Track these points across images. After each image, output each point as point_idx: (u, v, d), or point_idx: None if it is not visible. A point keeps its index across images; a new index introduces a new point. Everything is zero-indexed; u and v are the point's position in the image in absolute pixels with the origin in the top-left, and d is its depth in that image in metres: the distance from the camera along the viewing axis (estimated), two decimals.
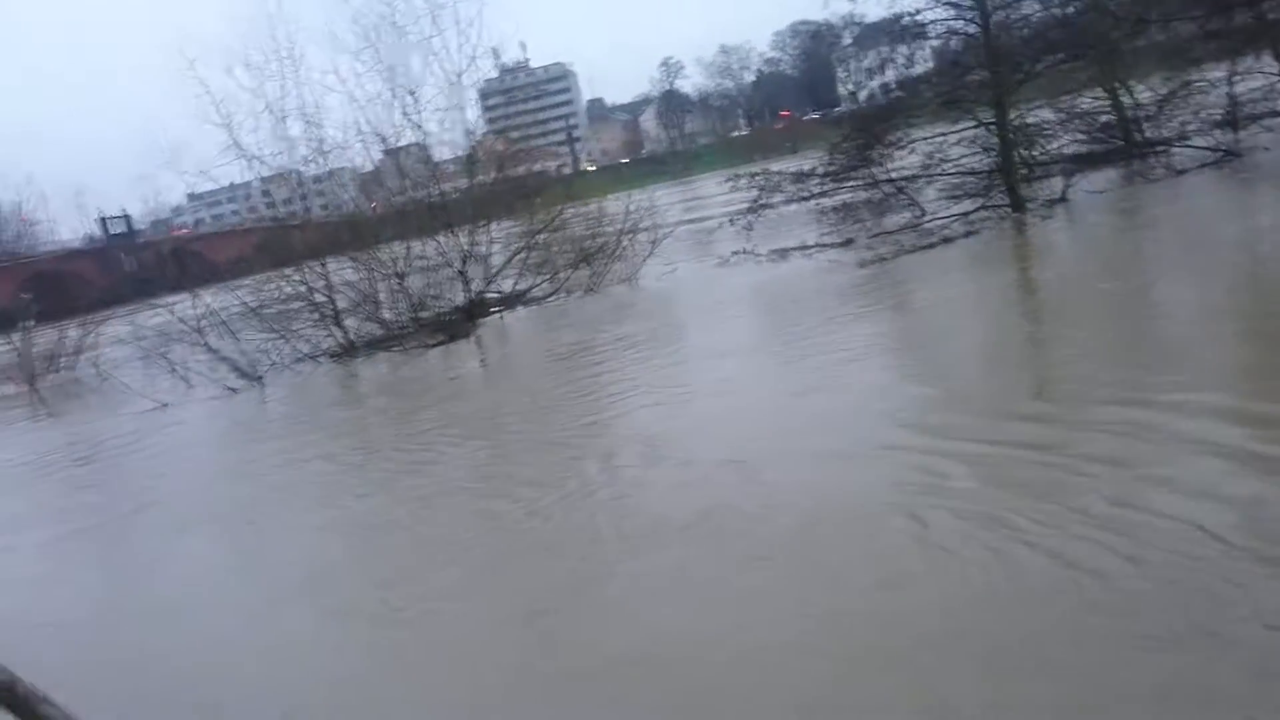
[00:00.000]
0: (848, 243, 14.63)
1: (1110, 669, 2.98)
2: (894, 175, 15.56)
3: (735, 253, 15.40)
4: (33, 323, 25.04)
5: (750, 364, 8.70)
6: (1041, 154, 15.40)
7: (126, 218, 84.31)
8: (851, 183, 15.66)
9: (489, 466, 7.12)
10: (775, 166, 16.86)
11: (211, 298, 15.24)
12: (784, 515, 4.74)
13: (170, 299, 18.15)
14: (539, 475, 6.35)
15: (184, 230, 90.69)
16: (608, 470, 6.27)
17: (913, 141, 15.34)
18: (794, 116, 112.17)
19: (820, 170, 15.65)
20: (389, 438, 9.12)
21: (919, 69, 17.20)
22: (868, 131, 15.51)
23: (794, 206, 16.23)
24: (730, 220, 16.31)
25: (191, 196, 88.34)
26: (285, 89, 15.04)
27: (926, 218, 14.54)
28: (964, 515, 4.26)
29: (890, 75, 18.90)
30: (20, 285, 70.18)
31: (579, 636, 4.03)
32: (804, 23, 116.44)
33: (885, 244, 13.70)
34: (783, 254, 14.87)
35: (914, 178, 15.54)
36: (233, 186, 17.95)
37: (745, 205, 16.02)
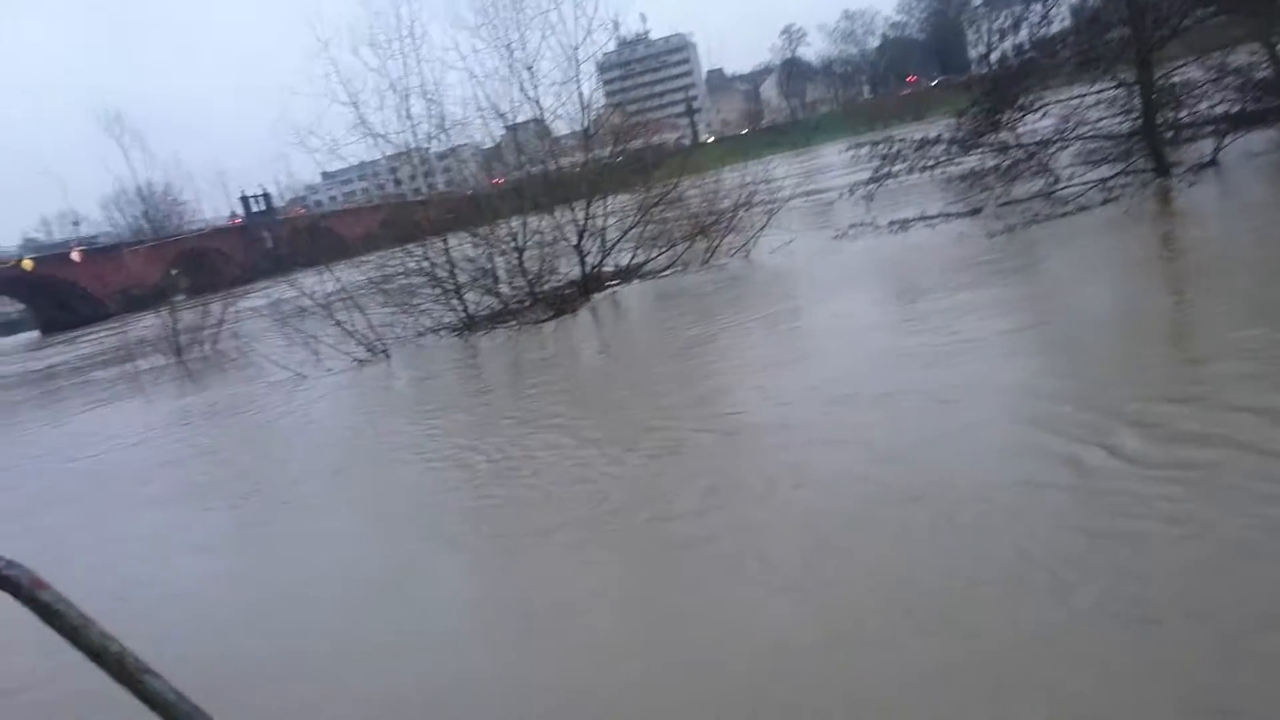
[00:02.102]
0: (975, 212, 14.02)
1: None
2: (1025, 140, 14.82)
3: (854, 225, 14.98)
4: (182, 298, 26.51)
5: (870, 342, 8.40)
6: (1189, 115, 14.37)
7: (266, 196, 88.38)
8: (979, 149, 14.98)
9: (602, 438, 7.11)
10: (899, 134, 16.31)
11: (341, 273, 15.75)
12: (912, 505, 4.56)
13: (304, 274, 18.90)
14: (655, 448, 6.32)
15: (316, 207, 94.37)
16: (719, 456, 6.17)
17: (1046, 105, 14.55)
18: (920, 82, 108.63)
19: (946, 137, 15.02)
20: (510, 409, 9.23)
21: (1055, 28, 16.27)
22: (999, 95, 14.77)
23: (916, 176, 15.66)
24: (850, 190, 15.87)
25: (325, 175, 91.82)
26: (408, 67, 15.35)
27: (1060, 185, 13.79)
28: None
29: (1024, 35, 17.92)
30: (169, 263, 74.83)
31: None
32: None
33: (1015, 213, 13.06)
34: (904, 225, 14.38)
35: (1047, 142, 14.74)
36: (362, 165, 18.41)
37: (866, 175, 15.55)
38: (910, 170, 15.06)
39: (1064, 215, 12.23)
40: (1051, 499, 4.20)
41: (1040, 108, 14.52)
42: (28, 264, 74.49)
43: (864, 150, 15.52)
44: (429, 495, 6.71)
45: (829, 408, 6.44)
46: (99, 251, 79.43)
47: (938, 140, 15.18)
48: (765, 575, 4.13)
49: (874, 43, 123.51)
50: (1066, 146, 14.51)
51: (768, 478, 5.32)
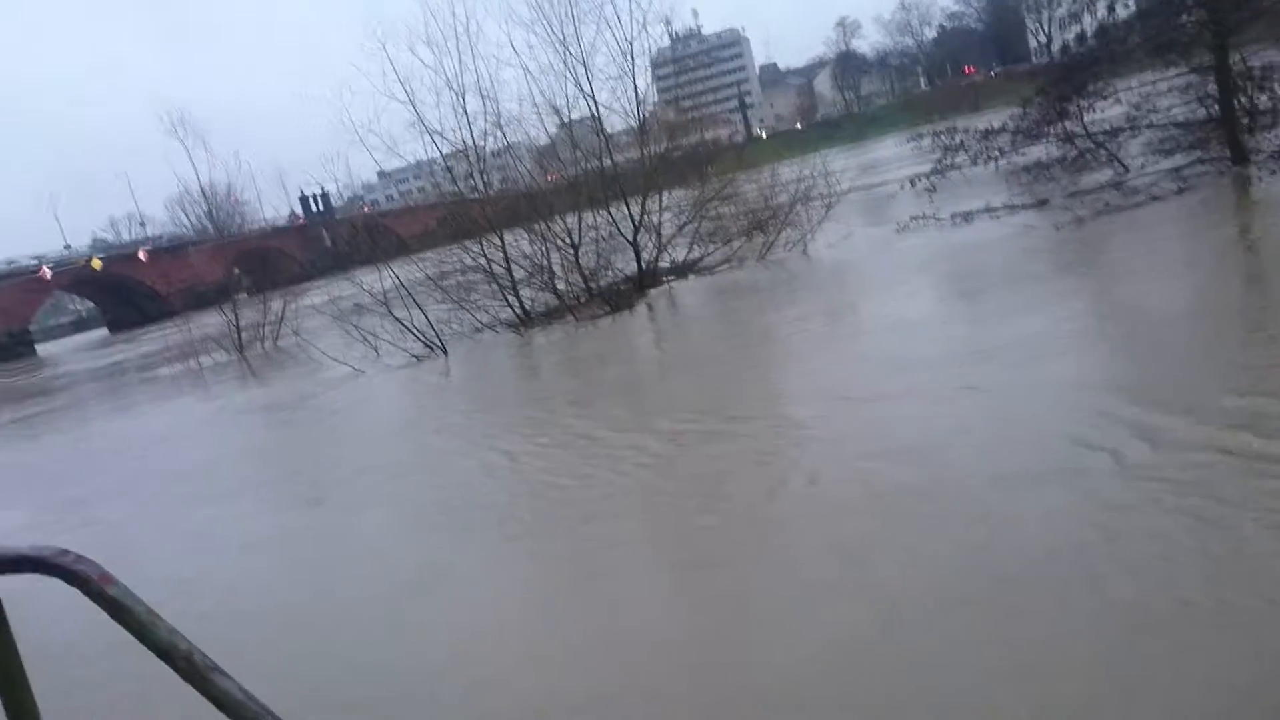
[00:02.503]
0: (1041, 204, 13.65)
1: None
2: (1093, 130, 14.40)
3: (915, 217, 14.68)
4: (244, 295, 26.98)
5: (930, 340, 8.14)
6: (1270, 100, 13.83)
7: (324, 195, 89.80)
8: (1045, 139, 14.60)
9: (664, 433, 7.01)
10: (960, 125, 15.99)
11: (399, 270, 15.84)
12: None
13: (362, 272, 19.08)
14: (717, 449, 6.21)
15: (372, 206, 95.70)
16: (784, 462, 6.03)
17: (1115, 93, 14.11)
18: (978, 73, 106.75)
19: (1011, 127, 14.66)
20: (566, 407, 9.17)
21: (1121, 15, 15.78)
22: (1066, 83, 14.36)
23: (978, 167, 15.32)
24: (911, 182, 15.57)
25: (380, 174, 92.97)
26: (463, 64, 15.40)
27: (1131, 175, 13.39)
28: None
29: (1087, 23, 17.42)
30: (232, 262, 76.41)
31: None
32: None
33: (1084, 204, 12.69)
34: (967, 217, 14.05)
35: (1116, 131, 14.33)
36: (417, 163, 18.54)
37: (927, 167, 15.27)
38: (974, 161, 14.74)
39: (1136, 206, 11.84)
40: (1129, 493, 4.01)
41: (1110, 96, 14.08)
42: (97, 264, 76.64)
43: (926, 141, 15.23)
44: (484, 492, 6.66)
45: (889, 406, 6.26)
46: (164, 251, 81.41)
47: (1002, 130, 14.86)
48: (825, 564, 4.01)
49: (930, 34, 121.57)
50: (1137, 135, 14.07)
51: (811, 472, 5.22)
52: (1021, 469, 4.64)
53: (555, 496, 6.12)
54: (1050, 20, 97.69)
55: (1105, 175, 13.93)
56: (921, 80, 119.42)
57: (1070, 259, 10.11)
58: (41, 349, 72.18)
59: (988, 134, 14.86)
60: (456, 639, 4.36)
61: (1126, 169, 13.71)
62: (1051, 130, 14.71)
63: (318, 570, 5.93)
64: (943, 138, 14.95)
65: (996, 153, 14.66)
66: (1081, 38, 18.19)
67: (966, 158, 14.76)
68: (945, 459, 5.04)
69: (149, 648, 1.34)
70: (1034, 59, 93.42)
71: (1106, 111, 14.52)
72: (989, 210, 13.85)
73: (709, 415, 7.14)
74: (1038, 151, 14.98)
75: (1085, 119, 14.53)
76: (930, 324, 8.85)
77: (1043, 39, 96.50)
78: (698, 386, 8.49)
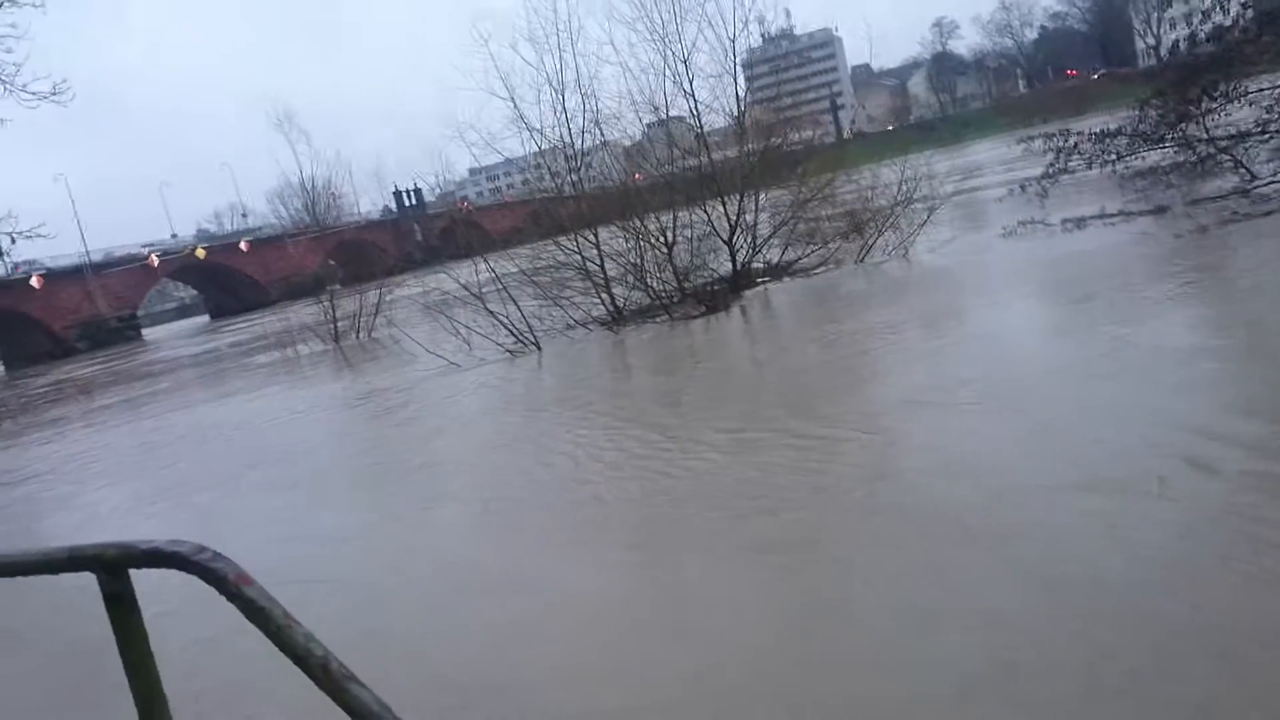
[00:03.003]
0: (1159, 210, 13.03)
1: None
2: (1217, 134, 13.67)
3: (1023, 222, 14.16)
4: (338, 287, 27.61)
5: (1041, 352, 7.75)
6: None
7: (417, 191, 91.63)
8: (1166, 144, 13.91)
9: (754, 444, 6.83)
10: (1059, 128, 15.37)
11: (491, 265, 15.92)
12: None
13: (454, 266, 19.30)
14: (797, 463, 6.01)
15: (466, 203, 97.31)
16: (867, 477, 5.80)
17: (1245, 95, 13.35)
18: (1080, 75, 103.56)
19: (1129, 130, 14.01)
20: (659, 410, 9.05)
21: (1238, 13, 14.94)
22: (1191, 84, 13.64)
23: (1093, 171, 14.70)
24: (1020, 186, 15.03)
25: (472, 170, 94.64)
26: (564, 62, 15.40)
27: (1260, 182, 12.66)
28: None
29: (1203, 22, 16.58)
30: (327, 254, 78.53)
31: None
32: None
33: (1207, 212, 12.07)
34: (1079, 223, 13.51)
35: (1243, 136, 13.57)
36: (509, 160, 18.65)
37: (1031, 170, 14.72)
38: (1089, 165, 14.14)
39: (1266, 214, 11.18)
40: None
41: (1239, 99, 13.34)
42: (201, 253, 79.66)
43: (1037, 144, 14.64)
44: (575, 492, 6.57)
45: (992, 423, 5.94)
46: (264, 242, 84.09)
47: (1118, 133, 14.22)
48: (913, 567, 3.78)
49: (1031, 35, 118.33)
50: (1268, 140, 13.31)
51: (903, 484, 4.97)
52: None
53: (658, 498, 6.00)
54: (1159, 21, 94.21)
55: (1230, 182, 13.22)
56: (1020, 83, 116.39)
57: (1192, 269, 9.57)
58: (147, 333, 75.35)
59: (1103, 136, 14.23)
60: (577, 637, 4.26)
61: (1254, 176, 12.98)
62: (1171, 134, 14.01)
63: (408, 565, 5.92)
64: (1056, 140, 14.34)
65: (1113, 156, 14.02)
66: (1192, 40, 17.40)
67: (1081, 161, 14.15)
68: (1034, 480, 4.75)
69: (284, 652, 1.30)
70: (1140, 61, 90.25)
71: (1230, 115, 13.78)
72: (1103, 216, 13.28)
73: (800, 424, 6.93)
74: (1153, 156, 14.32)
75: (1207, 122, 13.81)
76: (1037, 335, 8.46)
77: (1150, 40, 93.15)
78: (790, 396, 8.24)
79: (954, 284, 12.68)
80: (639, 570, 5.05)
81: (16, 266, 60.56)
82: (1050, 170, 14.28)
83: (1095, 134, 14.34)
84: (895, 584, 4.05)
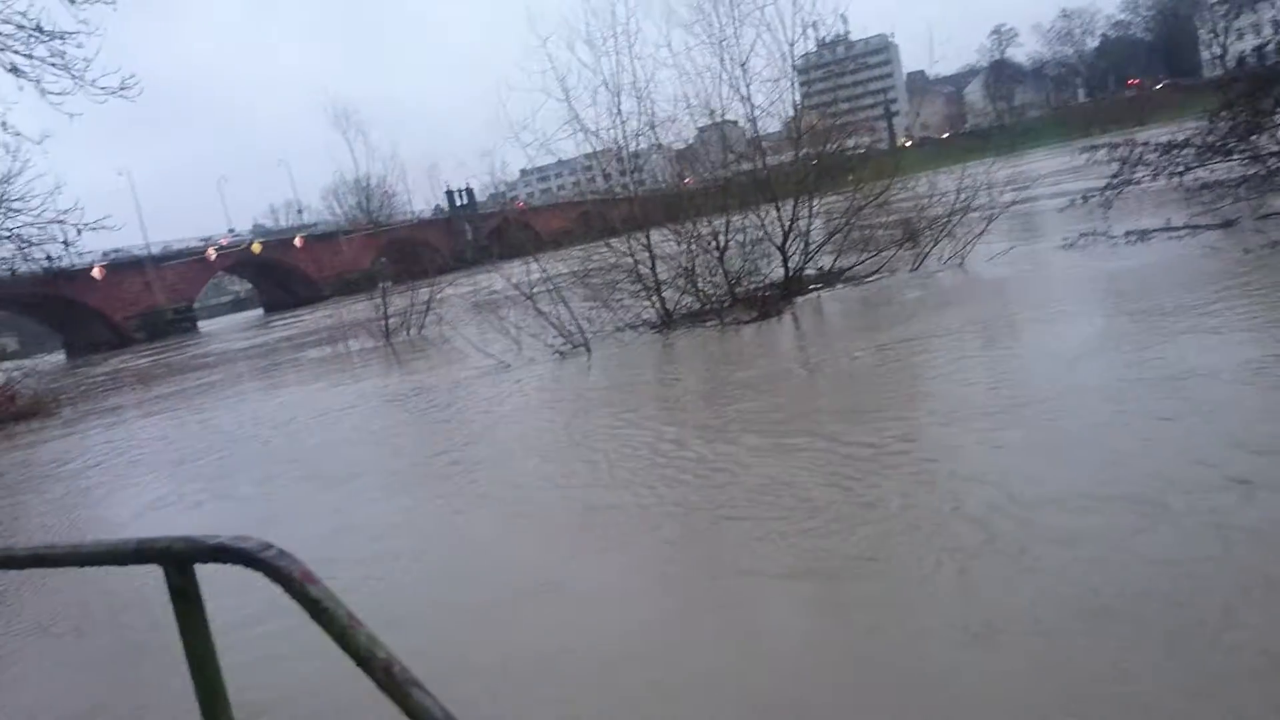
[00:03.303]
0: (1227, 224, 12.67)
1: None
2: None
3: (1085, 233, 13.85)
4: (389, 284, 27.92)
5: (1102, 372, 7.45)
6: None
7: (469, 190, 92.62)
8: (1235, 156, 13.55)
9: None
10: (1122, 138, 15.04)
11: (540, 266, 15.97)
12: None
13: (504, 265, 19.42)
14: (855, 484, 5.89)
15: (517, 203, 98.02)
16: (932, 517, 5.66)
17: None
18: (1143, 84, 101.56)
19: (1197, 141, 13.66)
20: (709, 417, 8.97)
21: None
22: (1261, 96, 13.28)
23: (1158, 183, 14.37)
24: (1082, 197, 14.71)
25: (524, 171, 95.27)
26: (620, 64, 15.39)
27: None
28: None
29: (1271, 33, 16.12)
30: (380, 251, 79.62)
31: None
32: None
33: (1277, 226, 11.69)
34: (1143, 235, 13.18)
35: None
36: (560, 161, 18.72)
37: (1091, 181, 14.41)
38: (1154, 176, 13.82)
39: None
40: None
41: None
42: (256, 247, 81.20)
43: (1100, 154, 14.33)
44: (618, 501, 6.53)
45: (1048, 452, 5.76)
46: (319, 238, 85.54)
47: (1186, 144, 13.88)
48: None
49: (1093, 43, 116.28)
50: None
51: (969, 520, 4.83)
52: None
53: (702, 511, 5.94)
54: (1226, 31, 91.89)
55: None
56: (1080, 91, 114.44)
57: (1261, 286, 9.26)
58: (203, 325, 77.05)
59: (1170, 147, 13.91)
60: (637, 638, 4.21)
61: None
62: (1242, 146, 13.65)
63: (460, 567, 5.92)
64: (1120, 150, 14.03)
65: (1180, 168, 13.68)
66: (1261, 50, 16.91)
67: (1146, 172, 13.83)
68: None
69: (347, 653, 1.29)
70: (1205, 72, 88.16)
71: None
72: (1168, 229, 12.94)
73: (854, 438, 6.81)
74: (1220, 169, 13.95)
75: None
76: (1100, 353, 8.19)
77: (1216, 50, 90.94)
78: (843, 409, 8.08)
79: (1012, 296, 12.42)
80: (679, 586, 4.98)
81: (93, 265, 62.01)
82: (1114, 181, 13.97)
83: (1161, 145, 14.03)
84: (951, 608, 3.94)
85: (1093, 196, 14.32)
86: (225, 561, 1.41)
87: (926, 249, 16.19)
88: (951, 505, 5.03)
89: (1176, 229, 12.97)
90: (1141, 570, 3.87)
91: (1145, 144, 14.11)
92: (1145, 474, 4.88)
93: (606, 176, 17.08)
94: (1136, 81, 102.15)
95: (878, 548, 4.71)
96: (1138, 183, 14.02)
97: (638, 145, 16.33)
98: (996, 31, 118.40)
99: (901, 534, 4.81)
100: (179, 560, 1.49)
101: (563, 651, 4.23)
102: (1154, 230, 13.18)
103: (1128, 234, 13.31)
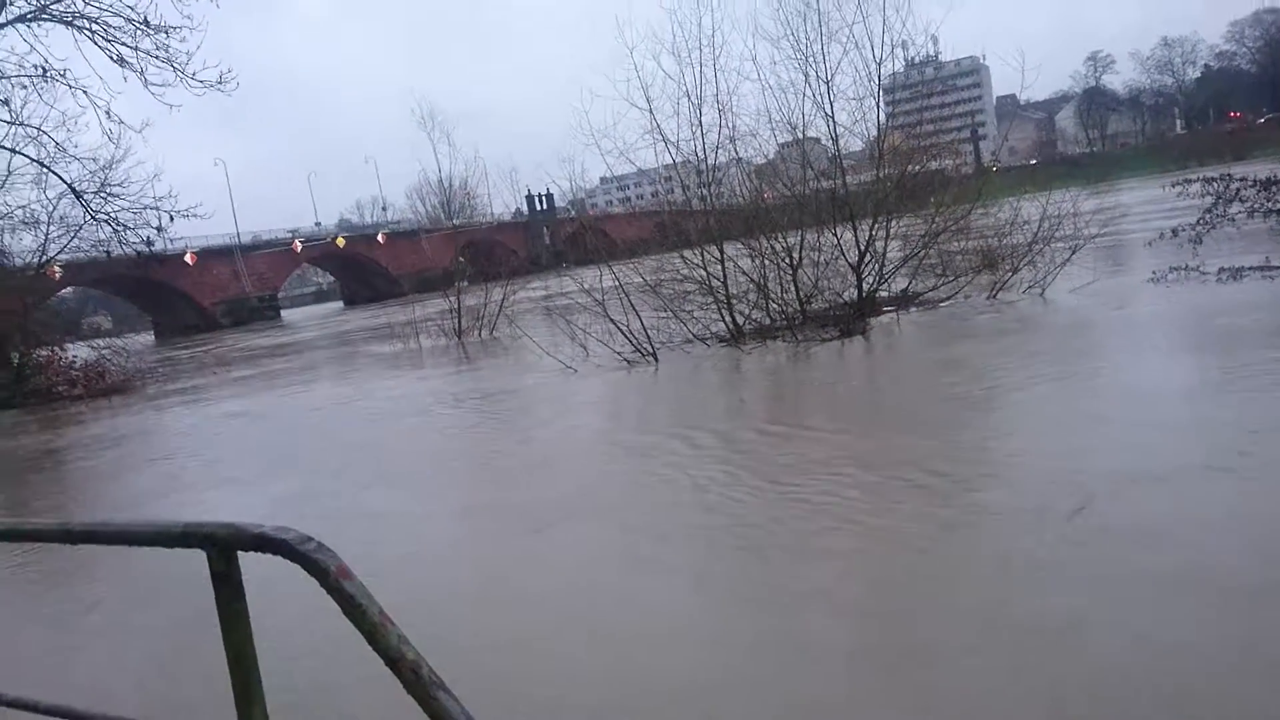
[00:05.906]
0: None
1: None
2: None
3: (1174, 269, 13.39)
4: (466, 283, 28.32)
5: (1190, 418, 7.08)
6: None
7: (548, 195, 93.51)
8: None
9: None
10: (1219, 172, 14.47)
11: (614, 273, 16.00)
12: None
13: (579, 271, 19.52)
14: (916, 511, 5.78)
15: (594, 210, 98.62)
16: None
17: None
18: (1245, 117, 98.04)
19: None
20: (776, 438, 8.88)
21: None
22: None
23: (1256, 220, 13.81)
24: (1173, 231, 14.22)
25: (603, 179, 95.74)
26: (704, 76, 15.39)
27: None
28: None
29: None
30: (458, 250, 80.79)
31: None
32: (1272, 10, 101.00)
33: None
34: (1236, 273, 12.71)
35: None
36: (640, 171, 18.74)
37: (1185, 216, 13.90)
38: (1251, 213, 13.31)
39: None
40: None
41: None
42: (341, 241, 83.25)
43: (1194, 187, 13.83)
44: (681, 520, 6.51)
45: (1128, 497, 5.57)
46: (400, 235, 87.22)
47: None
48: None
49: (1194, 74, 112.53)
50: None
51: (1031, 561, 4.69)
52: None
53: (743, 525, 5.89)
54: None
55: None
56: (1178, 123, 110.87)
57: None
58: (285, 314, 79.27)
59: (1270, 183, 13.38)
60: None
61: None
62: None
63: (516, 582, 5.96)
64: (1216, 184, 13.53)
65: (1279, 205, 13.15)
66: None
67: (1243, 209, 13.33)
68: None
69: (376, 651, 1.29)
70: None
71: None
72: (1265, 268, 12.44)
73: (921, 470, 6.68)
74: None
75: None
76: (1186, 396, 7.85)
77: None
78: (914, 439, 7.69)
79: (1090, 330, 12.08)
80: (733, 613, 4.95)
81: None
82: (1207, 216, 13.48)
83: (1261, 181, 13.51)
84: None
85: (1183, 231, 13.82)
86: (265, 551, 1.42)
87: (1005, 277, 15.83)
88: None
89: (1273, 268, 12.46)
90: None
91: (1243, 179, 13.59)
92: None
93: (685, 188, 17.04)
94: (1238, 115, 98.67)
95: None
96: (1232, 219, 13.49)
97: (717, 158, 16.31)
98: (1092, 58, 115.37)
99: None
100: (221, 546, 1.49)
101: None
102: (1248, 269, 12.70)
103: (1221, 271, 12.84)
